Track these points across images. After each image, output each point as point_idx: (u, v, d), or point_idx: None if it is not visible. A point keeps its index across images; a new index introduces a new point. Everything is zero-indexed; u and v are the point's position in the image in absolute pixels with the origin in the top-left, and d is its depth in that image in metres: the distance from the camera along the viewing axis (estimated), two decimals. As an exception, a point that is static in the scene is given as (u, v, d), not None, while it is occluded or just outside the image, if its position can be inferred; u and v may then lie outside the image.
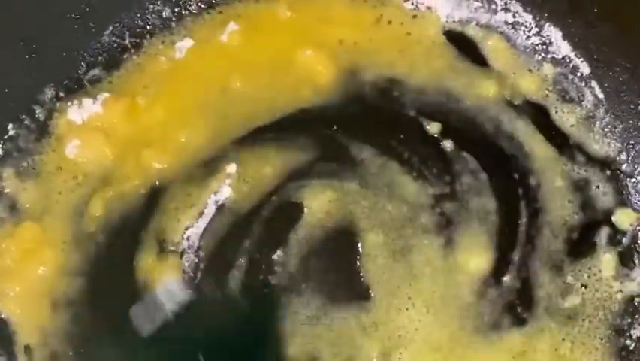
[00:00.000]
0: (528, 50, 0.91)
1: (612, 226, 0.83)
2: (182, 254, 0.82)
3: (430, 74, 0.88)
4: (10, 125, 0.87)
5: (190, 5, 0.93)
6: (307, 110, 0.87)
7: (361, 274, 0.81)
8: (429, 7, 0.92)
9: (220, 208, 0.83)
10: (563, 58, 0.90)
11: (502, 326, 0.79)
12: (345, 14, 0.91)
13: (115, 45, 0.91)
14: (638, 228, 0.84)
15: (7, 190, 0.85)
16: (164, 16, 0.92)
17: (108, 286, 0.82)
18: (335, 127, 0.87)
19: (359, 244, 0.82)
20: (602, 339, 0.79)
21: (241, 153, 0.85)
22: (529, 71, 0.89)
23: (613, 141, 0.87)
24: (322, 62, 0.88)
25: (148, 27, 0.92)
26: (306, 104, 0.87)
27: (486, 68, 0.89)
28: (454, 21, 0.92)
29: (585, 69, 0.89)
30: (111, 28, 0.91)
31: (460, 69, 0.89)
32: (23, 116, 0.87)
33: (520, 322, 0.79)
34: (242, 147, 0.86)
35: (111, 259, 0.83)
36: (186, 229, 0.83)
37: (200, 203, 0.83)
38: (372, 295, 0.80)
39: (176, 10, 0.92)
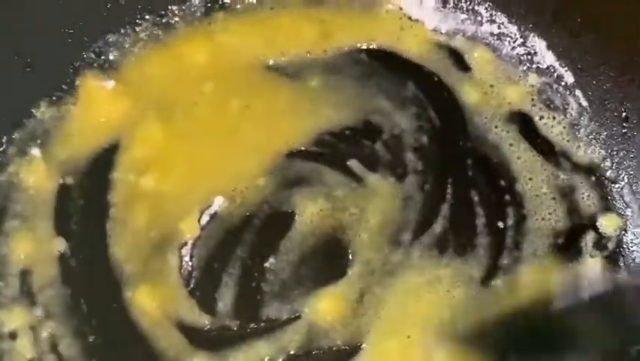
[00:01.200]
0: (513, 61, 0.92)
1: (597, 230, 0.85)
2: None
3: (417, 85, 0.90)
4: (5, 139, 0.87)
5: (177, 23, 0.94)
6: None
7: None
8: (417, 20, 0.94)
9: (213, 217, 0.85)
10: (548, 68, 0.92)
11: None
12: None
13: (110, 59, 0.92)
14: (622, 232, 0.85)
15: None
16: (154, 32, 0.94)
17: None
18: (326, 137, 0.88)
19: (349, 251, 0.83)
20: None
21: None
22: (515, 80, 0.91)
23: (597, 148, 0.88)
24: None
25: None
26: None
27: (472, 77, 0.91)
28: (441, 33, 0.93)
29: (569, 78, 0.91)
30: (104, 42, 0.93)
31: (446, 79, 0.91)
32: (17, 130, 0.88)
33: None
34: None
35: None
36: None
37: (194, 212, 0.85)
38: (363, 300, 0.81)
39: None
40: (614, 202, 0.87)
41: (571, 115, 0.90)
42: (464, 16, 0.94)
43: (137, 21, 0.92)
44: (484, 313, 0.80)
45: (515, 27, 0.93)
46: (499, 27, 0.93)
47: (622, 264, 0.84)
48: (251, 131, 0.87)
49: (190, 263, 0.83)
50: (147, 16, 0.92)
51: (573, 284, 0.81)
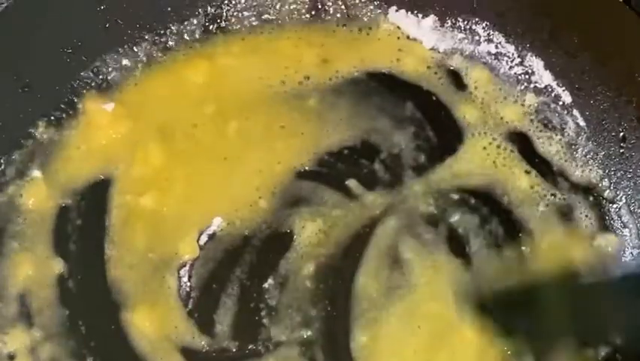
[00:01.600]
0: (511, 80, 0.93)
1: (595, 251, 0.85)
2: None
3: (415, 105, 0.91)
4: (4, 159, 0.87)
5: (176, 43, 0.94)
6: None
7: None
8: (414, 39, 0.94)
9: (212, 237, 0.84)
10: (545, 87, 0.92)
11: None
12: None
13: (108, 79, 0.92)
14: (620, 253, 0.85)
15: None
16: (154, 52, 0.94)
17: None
18: (325, 157, 0.88)
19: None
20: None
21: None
22: (513, 100, 0.91)
23: (595, 168, 0.88)
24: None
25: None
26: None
27: (470, 96, 0.91)
28: (439, 52, 0.94)
29: (567, 98, 0.91)
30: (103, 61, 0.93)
31: (444, 98, 0.91)
32: (15, 151, 0.88)
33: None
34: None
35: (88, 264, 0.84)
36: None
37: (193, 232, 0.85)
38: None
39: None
40: (611, 222, 0.87)
41: (568, 135, 0.90)
42: (462, 35, 0.94)
43: (136, 40, 0.92)
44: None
45: (513, 47, 0.93)
46: (496, 46, 0.94)
47: (620, 284, 0.84)
48: (250, 152, 0.87)
49: (189, 284, 0.83)
50: (146, 36, 0.93)
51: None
